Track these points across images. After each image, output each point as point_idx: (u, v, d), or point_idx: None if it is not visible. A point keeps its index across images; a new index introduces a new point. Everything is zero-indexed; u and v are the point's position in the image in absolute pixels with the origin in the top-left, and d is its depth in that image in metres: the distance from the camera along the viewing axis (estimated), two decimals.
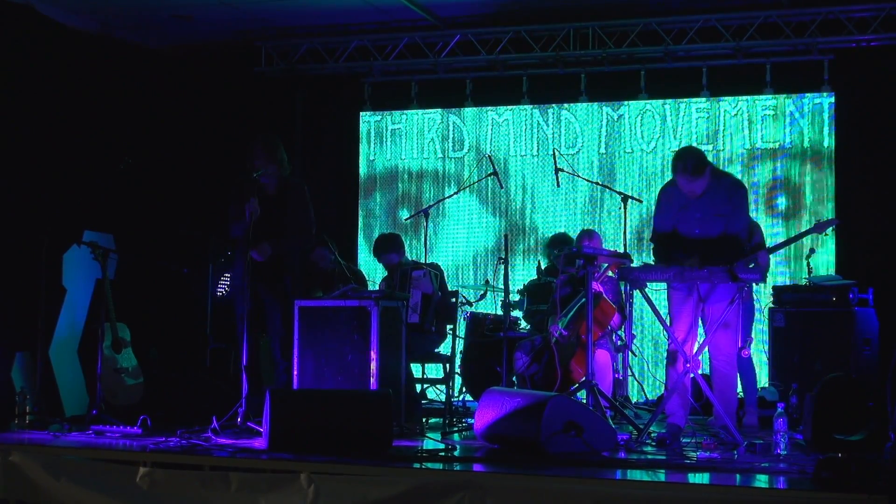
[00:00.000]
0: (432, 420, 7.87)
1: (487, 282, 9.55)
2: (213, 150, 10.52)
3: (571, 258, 8.06)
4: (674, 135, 10.10)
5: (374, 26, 10.45)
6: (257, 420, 6.87)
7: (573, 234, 9.02)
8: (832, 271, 9.28)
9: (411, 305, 7.83)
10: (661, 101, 10.14)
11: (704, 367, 8.00)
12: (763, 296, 8.94)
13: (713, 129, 9.99)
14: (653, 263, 7.07)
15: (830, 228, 8.27)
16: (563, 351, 7.64)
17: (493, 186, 10.29)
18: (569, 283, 8.11)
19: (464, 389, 8.93)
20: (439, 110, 10.81)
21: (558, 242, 8.82)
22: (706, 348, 6.93)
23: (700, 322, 6.90)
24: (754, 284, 7.60)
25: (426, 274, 8.08)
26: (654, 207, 7.21)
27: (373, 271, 9.97)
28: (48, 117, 9.06)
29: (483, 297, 9.33)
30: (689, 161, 6.79)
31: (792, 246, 8.71)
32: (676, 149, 9.93)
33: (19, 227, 8.42)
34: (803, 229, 9.25)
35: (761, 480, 5.40)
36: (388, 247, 8.69)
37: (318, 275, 8.91)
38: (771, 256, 7.93)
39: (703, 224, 6.81)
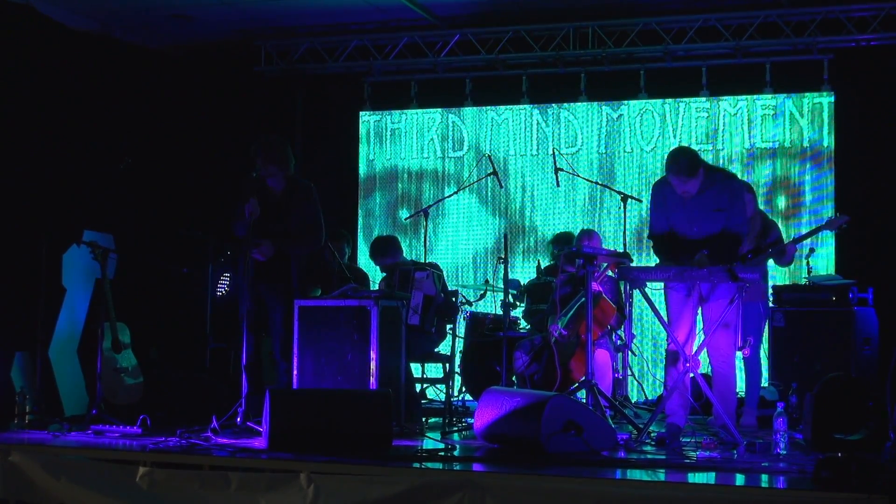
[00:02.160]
0: (432, 420, 7.87)
1: (487, 282, 9.55)
2: (214, 150, 10.53)
3: (571, 257, 8.07)
4: (673, 134, 10.10)
5: (373, 26, 10.45)
6: (257, 420, 6.87)
7: (575, 234, 9.02)
8: (832, 271, 9.29)
9: (412, 307, 7.82)
10: (660, 101, 10.14)
11: (705, 367, 8.00)
12: None
13: (713, 129, 9.99)
14: (655, 264, 7.06)
15: (841, 226, 8.26)
16: (562, 350, 7.64)
17: (493, 186, 10.29)
18: (569, 283, 8.11)
19: (464, 389, 8.93)
20: (439, 110, 10.81)
21: (562, 241, 8.82)
22: (705, 348, 6.93)
23: (700, 322, 6.90)
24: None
25: (429, 275, 8.06)
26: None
27: (373, 271, 9.96)
28: (48, 117, 9.06)
29: (483, 297, 9.33)
30: (682, 161, 6.72)
31: None
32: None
33: (19, 227, 8.42)
34: (804, 229, 9.29)
35: (761, 480, 5.40)
36: (385, 251, 8.68)
37: (318, 271, 8.89)
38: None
39: (701, 222, 6.77)
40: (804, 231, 8.98)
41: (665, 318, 6.98)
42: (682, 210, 6.82)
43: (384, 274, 8.83)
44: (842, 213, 8.41)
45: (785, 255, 7.92)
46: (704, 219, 6.76)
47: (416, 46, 10.53)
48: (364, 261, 10.60)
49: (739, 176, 9.32)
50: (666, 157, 6.93)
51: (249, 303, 7.26)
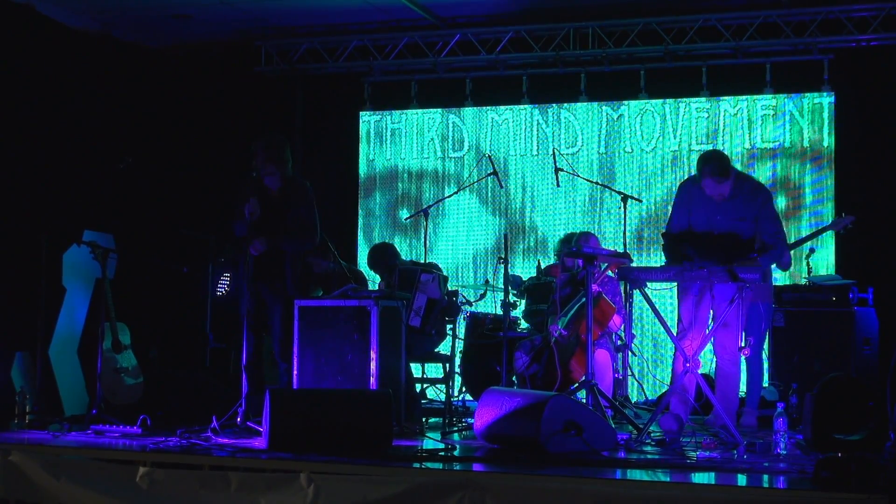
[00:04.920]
0: (432, 420, 7.87)
1: (487, 282, 9.55)
2: (213, 150, 10.53)
3: (572, 258, 8.07)
4: (673, 134, 10.09)
5: (374, 26, 10.46)
6: (257, 420, 6.87)
7: None
8: (832, 271, 9.28)
9: (415, 308, 7.80)
10: (660, 101, 10.13)
11: (705, 367, 8.01)
12: None
13: (713, 129, 9.99)
14: (661, 263, 7.09)
15: (847, 226, 8.27)
16: (562, 351, 7.64)
17: (493, 186, 10.29)
18: (569, 283, 8.11)
19: (464, 389, 8.93)
20: (439, 110, 10.81)
21: (569, 242, 8.81)
22: (708, 348, 6.95)
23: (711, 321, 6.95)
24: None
25: (435, 279, 8.04)
26: (662, 211, 7.21)
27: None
28: (48, 117, 9.07)
29: (483, 297, 9.33)
30: (715, 164, 6.89)
31: None
32: (675, 149, 10.03)
33: (19, 227, 8.42)
34: (805, 229, 9.29)
35: (761, 480, 5.40)
36: (385, 258, 8.71)
37: (314, 276, 8.92)
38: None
39: (722, 227, 6.87)
40: (805, 233, 8.99)
41: (665, 319, 6.99)
42: (706, 213, 6.90)
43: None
44: (846, 213, 8.41)
45: (782, 258, 7.88)
46: (726, 225, 6.85)
47: (416, 46, 10.53)
48: (364, 260, 10.60)
49: None
50: (698, 160, 7.04)
51: (250, 302, 7.26)
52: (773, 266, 8.09)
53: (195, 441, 6.50)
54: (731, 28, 9.73)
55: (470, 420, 7.41)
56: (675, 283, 7.12)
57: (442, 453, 6.28)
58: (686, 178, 7.31)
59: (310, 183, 7.73)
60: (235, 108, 10.79)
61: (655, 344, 9.78)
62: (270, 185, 7.48)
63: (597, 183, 9.83)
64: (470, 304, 9.00)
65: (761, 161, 9.86)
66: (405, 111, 10.87)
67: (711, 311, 6.97)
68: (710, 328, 6.94)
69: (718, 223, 6.88)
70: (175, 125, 10.46)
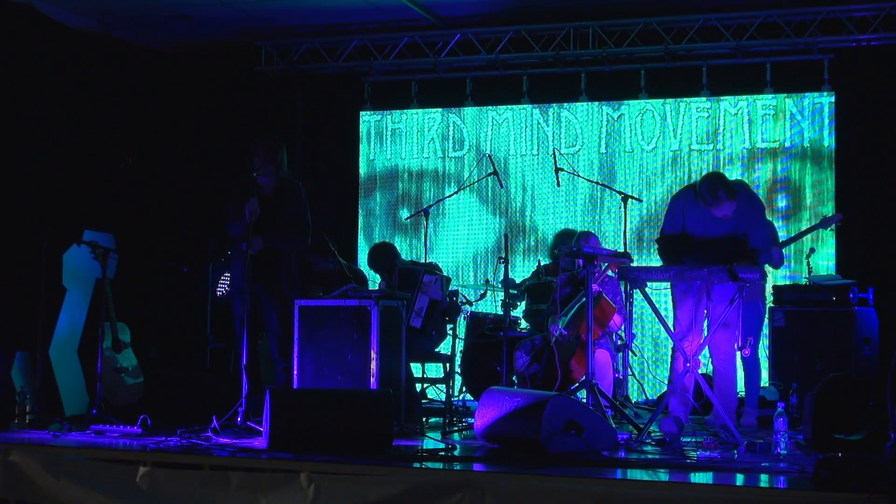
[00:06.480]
0: (432, 420, 7.87)
1: (487, 281, 9.55)
2: (214, 150, 10.54)
3: (573, 258, 8.07)
4: (674, 134, 10.09)
5: (374, 26, 10.45)
6: (257, 420, 6.87)
7: (576, 231, 8.99)
8: (832, 271, 9.28)
9: (416, 310, 7.79)
10: (661, 101, 10.13)
11: (705, 367, 8.00)
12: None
13: (713, 129, 9.98)
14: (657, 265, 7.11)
15: (835, 224, 8.29)
16: (563, 350, 7.64)
17: (493, 186, 10.29)
18: (569, 283, 8.11)
19: (464, 389, 8.93)
20: (439, 110, 10.81)
21: (563, 238, 8.80)
22: (706, 347, 6.95)
23: (706, 321, 6.95)
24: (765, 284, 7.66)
25: (437, 280, 8.03)
26: (662, 211, 7.22)
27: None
28: (48, 117, 9.06)
29: (483, 296, 9.33)
30: (721, 189, 6.87)
31: (792, 245, 8.72)
32: (675, 148, 10.03)
33: (19, 227, 8.42)
34: (804, 228, 9.28)
35: (761, 480, 5.40)
36: (385, 258, 8.72)
37: (315, 275, 8.92)
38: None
39: (717, 237, 6.88)
40: (808, 226, 8.99)
41: (665, 318, 6.99)
42: (702, 225, 6.90)
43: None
44: (839, 213, 8.40)
45: (772, 259, 7.85)
46: (721, 235, 6.86)
47: (416, 46, 10.53)
48: (364, 260, 10.59)
49: (739, 176, 9.37)
50: (702, 184, 6.98)
51: (249, 303, 7.26)
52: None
53: (195, 441, 6.50)
54: (731, 28, 9.73)
55: (470, 420, 7.42)
56: (672, 285, 7.11)
57: (442, 453, 6.28)
58: (680, 189, 7.28)
59: (308, 183, 7.74)
60: (235, 108, 10.79)
61: (655, 344, 9.78)
62: (265, 185, 7.49)
63: (597, 183, 9.83)
64: (470, 303, 9.00)
65: (762, 161, 9.85)
66: (405, 111, 10.87)
67: (706, 312, 6.97)
68: (708, 329, 6.94)
69: (714, 234, 6.90)
70: (175, 125, 10.46)
